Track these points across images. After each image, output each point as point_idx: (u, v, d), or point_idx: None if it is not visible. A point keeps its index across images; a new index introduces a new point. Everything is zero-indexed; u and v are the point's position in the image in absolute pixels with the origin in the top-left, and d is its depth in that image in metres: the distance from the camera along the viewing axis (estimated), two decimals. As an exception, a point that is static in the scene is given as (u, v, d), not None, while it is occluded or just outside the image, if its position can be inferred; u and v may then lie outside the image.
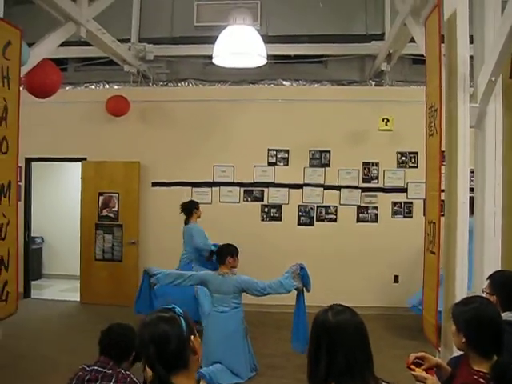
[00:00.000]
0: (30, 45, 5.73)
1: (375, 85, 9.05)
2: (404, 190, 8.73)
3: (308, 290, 5.70)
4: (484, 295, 3.14)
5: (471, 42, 4.25)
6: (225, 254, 5.90)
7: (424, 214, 8.29)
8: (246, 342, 5.86)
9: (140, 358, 2.08)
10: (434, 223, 4.17)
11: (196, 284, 6.02)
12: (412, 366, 2.68)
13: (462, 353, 2.77)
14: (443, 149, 4.21)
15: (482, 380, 2.46)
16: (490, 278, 3.23)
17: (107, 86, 9.40)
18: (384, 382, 2.14)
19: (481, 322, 2.54)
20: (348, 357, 2.05)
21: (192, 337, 2.06)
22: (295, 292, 5.68)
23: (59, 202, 10.85)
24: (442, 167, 4.19)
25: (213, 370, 5.48)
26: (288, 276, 5.61)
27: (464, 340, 2.56)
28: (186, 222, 7.53)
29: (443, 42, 4.27)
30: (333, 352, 2.07)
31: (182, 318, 2.07)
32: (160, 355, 1.98)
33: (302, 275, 5.65)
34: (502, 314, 2.84)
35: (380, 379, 2.12)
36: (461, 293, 3.96)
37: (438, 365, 2.72)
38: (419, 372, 2.67)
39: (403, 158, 8.74)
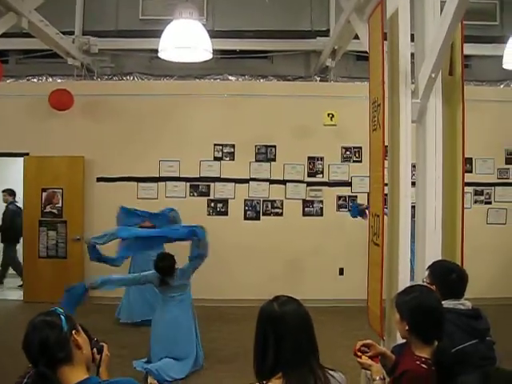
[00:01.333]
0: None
1: (320, 80, 9.18)
2: (348, 184, 8.91)
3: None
4: (425, 284, 3.25)
5: (412, 39, 4.36)
6: (173, 266, 5.72)
7: (368, 208, 8.61)
8: (195, 331, 5.89)
9: None
10: (378, 216, 4.28)
11: (140, 284, 6.05)
12: (359, 353, 2.75)
13: (404, 341, 2.87)
14: (386, 143, 4.32)
15: (423, 365, 2.55)
16: (429, 268, 3.35)
17: (50, 79, 9.23)
18: (329, 369, 2.18)
19: (423, 309, 2.64)
20: (295, 346, 2.09)
21: (74, 332, 2.12)
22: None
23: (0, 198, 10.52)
24: (385, 161, 4.31)
25: (160, 365, 5.47)
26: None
27: (407, 327, 2.65)
28: None
29: (386, 39, 4.38)
30: (279, 342, 2.10)
31: (62, 316, 2.13)
32: (42, 353, 2.04)
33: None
34: (442, 302, 2.95)
35: (326, 367, 2.17)
36: (404, 284, 4.06)
37: (383, 353, 2.81)
38: (365, 359, 2.75)
39: (347, 153, 8.90)
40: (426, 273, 3.31)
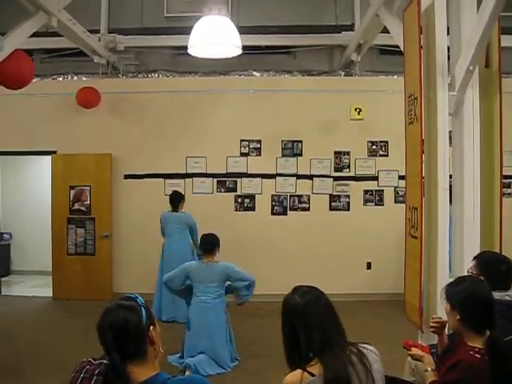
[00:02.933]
0: (1, 34, 5.66)
1: (345, 75, 9.15)
2: (375, 178, 8.88)
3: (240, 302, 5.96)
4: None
5: (448, 32, 4.36)
6: (215, 244, 5.87)
7: (395, 202, 8.62)
8: (228, 331, 5.90)
9: None
10: (416, 208, 4.29)
11: (183, 282, 5.85)
12: (413, 348, 2.79)
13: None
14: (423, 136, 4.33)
15: (477, 355, 2.58)
16: (475, 258, 3.35)
17: (75, 77, 9.26)
18: (360, 344, 2.28)
19: (474, 299, 2.66)
20: (323, 332, 2.20)
21: (151, 327, 2.10)
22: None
23: (28, 197, 10.65)
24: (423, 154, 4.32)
25: (197, 360, 5.52)
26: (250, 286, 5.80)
27: (458, 317, 2.67)
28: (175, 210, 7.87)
29: (421, 33, 4.38)
30: (307, 331, 2.21)
31: (142, 308, 2.11)
32: (117, 342, 2.02)
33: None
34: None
35: (356, 343, 2.27)
36: (442, 276, 4.09)
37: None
38: (416, 351, 2.79)
39: (374, 147, 8.88)
40: (472, 263, 3.32)
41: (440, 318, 3.01)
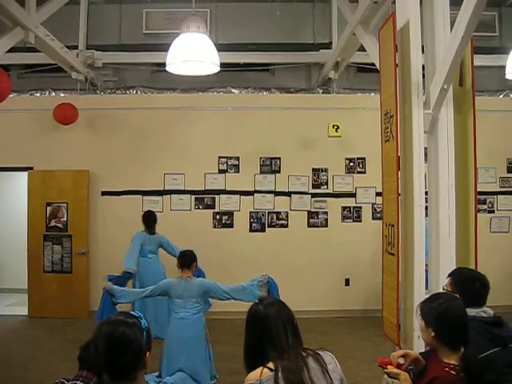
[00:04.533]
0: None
1: (322, 92, 9.24)
2: (353, 195, 8.95)
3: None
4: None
5: (422, 50, 4.42)
6: (192, 259, 5.87)
7: (373, 218, 8.67)
8: (207, 348, 5.85)
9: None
10: (393, 225, 4.31)
11: (159, 295, 5.82)
12: (389, 366, 2.79)
13: (427, 349, 2.90)
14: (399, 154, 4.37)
15: (452, 372, 2.58)
16: (450, 275, 3.37)
17: (53, 93, 9.24)
18: (311, 350, 2.44)
19: (449, 316, 2.67)
20: (280, 339, 2.39)
21: (148, 353, 2.10)
22: None
23: (4, 213, 10.54)
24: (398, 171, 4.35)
25: (175, 379, 5.46)
26: (255, 285, 5.62)
27: (433, 334, 2.68)
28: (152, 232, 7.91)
29: (396, 51, 4.43)
30: (267, 336, 2.40)
31: (144, 332, 2.11)
32: (110, 356, 2.01)
33: (270, 285, 5.68)
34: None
35: (309, 349, 2.44)
36: (419, 292, 4.10)
37: (416, 358, 2.84)
38: (391, 368, 2.79)
39: (351, 164, 8.96)
40: (447, 280, 3.34)
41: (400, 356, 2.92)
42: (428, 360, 2.81)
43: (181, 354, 5.57)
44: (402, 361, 2.81)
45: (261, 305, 2.51)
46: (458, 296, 3.06)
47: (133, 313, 2.16)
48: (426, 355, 2.91)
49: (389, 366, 2.81)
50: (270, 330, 2.40)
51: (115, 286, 5.80)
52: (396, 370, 2.78)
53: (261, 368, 2.34)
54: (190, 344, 5.61)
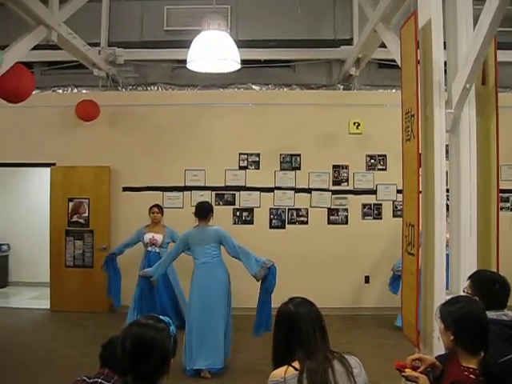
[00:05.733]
0: (1, 48, 5.69)
1: (343, 89, 9.19)
2: (373, 192, 8.91)
3: (268, 292, 5.96)
4: (464, 295, 3.26)
5: (444, 48, 4.37)
6: (209, 210, 6.33)
7: (393, 216, 8.61)
8: (228, 293, 6.22)
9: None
10: (413, 225, 4.28)
11: (183, 249, 6.31)
12: (406, 369, 2.77)
13: (442, 351, 2.88)
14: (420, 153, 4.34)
15: (472, 376, 2.56)
16: (470, 278, 3.34)
17: (75, 90, 9.31)
18: (337, 353, 2.46)
19: (469, 319, 2.65)
20: (309, 339, 2.41)
21: (172, 359, 2.13)
22: (273, 296, 5.90)
23: (27, 209, 10.69)
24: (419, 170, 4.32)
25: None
26: (259, 262, 5.99)
27: (452, 338, 2.66)
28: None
29: (418, 49, 4.39)
30: (296, 336, 2.42)
31: (172, 338, 2.13)
32: (135, 357, 2.03)
33: (270, 272, 5.94)
34: (485, 313, 2.95)
35: (336, 352, 2.47)
36: (439, 293, 4.07)
37: (432, 363, 2.83)
38: (410, 372, 2.77)
39: (372, 161, 8.91)
40: (467, 283, 3.31)
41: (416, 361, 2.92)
42: (446, 364, 2.80)
43: (205, 293, 6.02)
44: (417, 364, 2.80)
45: (291, 304, 2.53)
46: (477, 299, 3.04)
47: (162, 318, 2.17)
48: (442, 359, 2.89)
49: (407, 370, 2.80)
50: (299, 329, 2.43)
51: (148, 269, 6.41)
52: (415, 373, 2.76)
53: (286, 366, 2.37)
54: (214, 284, 6.08)
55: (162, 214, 8.02)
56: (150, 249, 7.76)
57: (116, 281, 7.64)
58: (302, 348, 2.39)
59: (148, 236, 7.80)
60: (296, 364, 2.36)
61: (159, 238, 7.79)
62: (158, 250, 7.74)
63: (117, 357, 2.93)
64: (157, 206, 8.04)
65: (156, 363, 2.04)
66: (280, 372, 2.37)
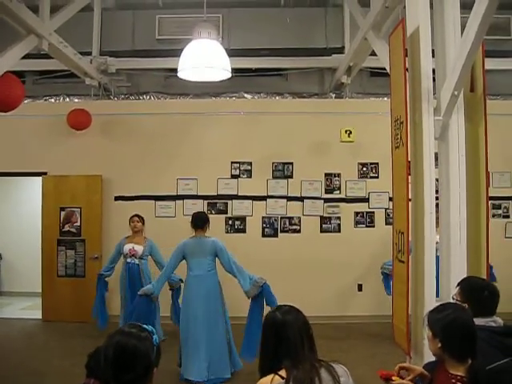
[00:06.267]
0: (-10, 57, 5.69)
1: (335, 97, 9.21)
2: (366, 200, 8.91)
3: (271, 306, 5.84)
4: (453, 302, 3.24)
5: (433, 55, 4.39)
6: (205, 220, 6.36)
7: (386, 223, 8.61)
8: (223, 305, 6.23)
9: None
10: (403, 233, 4.29)
11: (181, 260, 6.23)
12: (394, 378, 2.75)
13: (433, 359, 2.86)
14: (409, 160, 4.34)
15: (459, 383, 2.54)
16: (459, 285, 3.33)
17: (67, 99, 9.30)
18: (324, 362, 2.43)
19: (456, 326, 2.63)
20: (296, 347, 2.39)
21: (155, 369, 2.11)
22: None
23: (18, 218, 10.66)
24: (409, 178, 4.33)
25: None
26: (251, 280, 5.93)
27: (440, 345, 2.64)
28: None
29: (406, 57, 4.41)
30: (283, 343, 2.40)
31: (155, 348, 2.11)
32: (117, 366, 2.02)
33: (264, 290, 5.88)
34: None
35: (323, 360, 2.43)
36: (430, 300, 4.07)
37: (421, 373, 2.81)
38: (398, 380, 2.75)
39: (364, 169, 8.92)
40: (456, 290, 3.30)
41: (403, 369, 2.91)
42: (434, 372, 2.78)
43: (198, 305, 6.02)
44: (404, 373, 2.78)
45: (278, 312, 2.52)
46: (466, 306, 3.03)
47: (146, 327, 2.15)
48: (430, 367, 2.88)
49: (394, 378, 2.77)
50: (286, 337, 2.41)
51: (147, 287, 6.11)
52: (404, 381, 2.74)
53: (272, 375, 2.35)
54: (206, 296, 6.06)
55: (143, 224, 7.75)
56: (129, 260, 7.48)
57: (100, 304, 7.51)
58: (289, 356, 2.37)
59: (128, 247, 7.52)
60: (283, 372, 2.34)
61: (139, 249, 7.49)
62: (137, 261, 7.44)
63: (100, 366, 2.91)
64: (137, 215, 7.77)
65: (139, 372, 2.02)
66: (266, 381, 2.35)
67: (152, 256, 7.51)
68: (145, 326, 2.17)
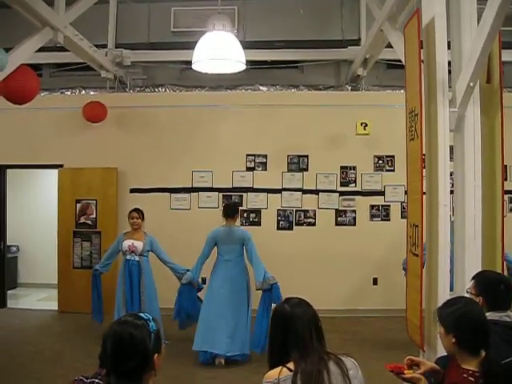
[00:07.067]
0: (6, 50, 5.70)
1: (351, 89, 9.15)
2: (381, 193, 8.85)
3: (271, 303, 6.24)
4: (468, 295, 3.20)
5: (448, 47, 4.33)
6: (237, 209, 7.02)
7: (402, 217, 8.54)
8: (248, 287, 6.68)
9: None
10: (417, 226, 4.24)
11: (213, 247, 6.76)
12: (406, 371, 2.72)
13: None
14: (424, 152, 4.29)
15: (471, 378, 2.50)
16: (474, 278, 3.28)
17: (83, 91, 9.33)
18: (333, 354, 2.40)
19: (469, 319, 2.58)
20: (305, 339, 2.36)
21: (156, 355, 2.08)
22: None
23: (35, 210, 10.75)
24: (423, 171, 4.28)
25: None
26: (265, 277, 6.43)
27: (454, 340, 2.59)
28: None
29: (422, 48, 4.35)
30: (292, 336, 2.38)
31: (152, 334, 2.09)
32: (116, 356, 2.02)
33: (273, 289, 6.37)
34: (486, 314, 2.90)
35: (332, 353, 2.41)
36: (443, 294, 4.03)
37: (432, 369, 2.77)
38: (410, 374, 2.72)
39: (380, 162, 8.86)
40: (471, 283, 3.26)
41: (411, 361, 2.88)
42: (446, 368, 2.74)
43: (225, 287, 6.52)
44: (415, 368, 2.74)
45: (287, 304, 2.49)
46: (479, 300, 3.00)
47: (142, 315, 2.15)
48: (442, 362, 2.84)
49: (407, 371, 2.74)
50: (295, 330, 2.38)
51: (186, 275, 6.69)
52: (416, 375, 2.71)
53: (280, 367, 2.33)
54: (233, 280, 6.57)
55: (143, 219, 7.21)
56: (129, 257, 6.99)
57: (97, 301, 7.19)
58: (298, 349, 2.35)
59: (127, 243, 7.01)
60: (291, 365, 2.33)
61: (139, 245, 6.99)
62: (137, 258, 6.97)
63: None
64: (136, 210, 7.24)
65: (138, 360, 2.01)
66: (274, 373, 2.33)
67: (154, 251, 7.09)
68: (141, 314, 2.17)
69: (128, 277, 6.97)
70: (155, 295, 7.04)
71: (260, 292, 6.47)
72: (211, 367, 6.29)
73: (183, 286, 6.66)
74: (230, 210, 6.84)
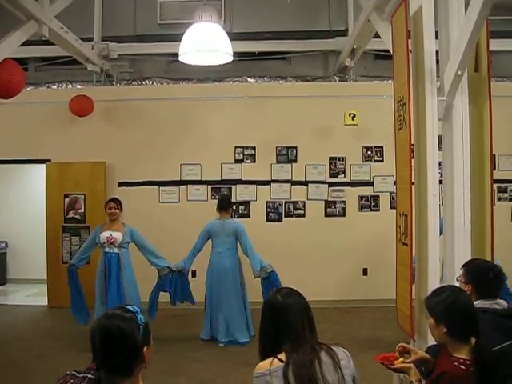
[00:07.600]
0: (-10, 44, 5.64)
1: (339, 80, 9.14)
2: (370, 183, 8.87)
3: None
4: (458, 284, 3.21)
5: (436, 36, 4.32)
6: (230, 202, 7.37)
7: (391, 207, 8.55)
8: (241, 278, 7.05)
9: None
10: (406, 215, 4.24)
11: (207, 239, 7.08)
12: (396, 361, 2.72)
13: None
14: (412, 142, 4.29)
15: (462, 366, 2.50)
16: (464, 266, 3.29)
17: (70, 85, 9.27)
18: (325, 345, 2.40)
19: (458, 308, 2.58)
20: (297, 329, 2.35)
21: (145, 347, 2.08)
22: None
23: (23, 205, 10.66)
24: (412, 160, 4.28)
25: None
26: (262, 266, 6.74)
27: (445, 330, 2.59)
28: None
29: (409, 37, 4.34)
30: (283, 326, 2.37)
31: (141, 327, 2.08)
32: (105, 349, 2.01)
33: (271, 276, 6.70)
34: (475, 303, 2.90)
35: (323, 343, 2.40)
36: (433, 283, 4.03)
37: (423, 358, 2.78)
38: (400, 364, 2.72)
39: (369, 153, 8.87)
40: (461, 272, 3.26)
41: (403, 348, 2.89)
42: (437, 357, 2.74)
43: (219, 278, 6.91)
44: (406, 357, 2.74)
45: (279, 294, 2.48)
46: (469, 288, 3.01)
47: (130, 307, 2.13)
48: (433, 351, 2.85)
49: (396, 362, 2.74)
50: (287, 320, 2.37)
51: (177, 263, 6.84)
52: (405, 364, 2.71)
53: (272, 358, 2.32)
54: (227, 271, 6.92)
55: (121, 210, 6.94)
56: (107, 250, 6.70)
57: (78, 297, 6.91)
58: (289, 339, 2.34)
59: (105, 235, 6.71)
60: (282, 356, 2.31)
61: (118, 236, 6.69)
62: (116, 250, 6.69)
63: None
64: (114, 200, 6.97)
65: (127, 353, 2.00)
66: (265, 364, 2.32)
67: (135, 242, 6.84)
68: (129, 306, 2.15)
69: (107, 270, 6.68)
70: (136, 288, 6.78)
71: (258, 284, 6.78)
72: (200, 359, 6.30)
73: (173, 274, 6.78)
74: (223, 203, 7.14)
